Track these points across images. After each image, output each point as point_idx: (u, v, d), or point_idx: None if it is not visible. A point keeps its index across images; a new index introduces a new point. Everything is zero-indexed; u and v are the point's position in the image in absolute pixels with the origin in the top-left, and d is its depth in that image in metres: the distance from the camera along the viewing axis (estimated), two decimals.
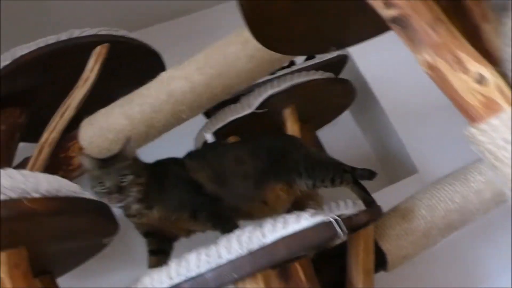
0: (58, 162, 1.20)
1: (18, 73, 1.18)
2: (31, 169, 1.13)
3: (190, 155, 1.05)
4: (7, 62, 1.16)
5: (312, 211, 0.68)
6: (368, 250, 0.99)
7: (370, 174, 1.07)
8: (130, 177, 0.87)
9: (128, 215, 0.92)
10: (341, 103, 1.45)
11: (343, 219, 0.92)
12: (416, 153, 1.59)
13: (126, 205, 0.90)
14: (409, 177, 1.57)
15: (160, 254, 0.95)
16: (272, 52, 1.04)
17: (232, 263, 0.61)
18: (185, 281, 0.64)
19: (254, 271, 0.61)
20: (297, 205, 1.09)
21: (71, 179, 1.22)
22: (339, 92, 1.33)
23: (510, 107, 0.52)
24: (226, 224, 0.92)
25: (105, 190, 0.86)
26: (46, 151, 1.16)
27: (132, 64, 1.34)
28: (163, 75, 1.12)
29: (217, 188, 0.97)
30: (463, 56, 0.54)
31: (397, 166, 1.69)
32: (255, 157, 1.03)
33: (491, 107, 0.54)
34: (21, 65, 1.15)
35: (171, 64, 1.41)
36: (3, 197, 0.48)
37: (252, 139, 1.17)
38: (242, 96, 1.20)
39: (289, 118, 1.24)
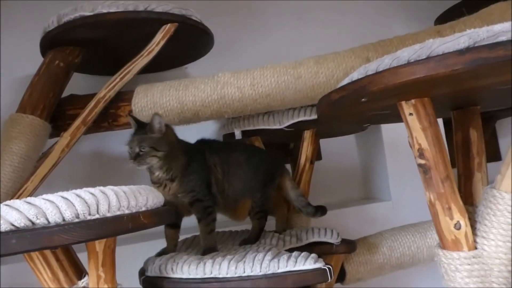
0: (106, 115, 1.38)
1: (94, 26, 1.31)
2: (86, 118, 1.31)
3: (210, 146, 1.22)
4: (87, 14, 1.29)
5: (315, 256, 0.93)
6: (336, 268, 1.27)
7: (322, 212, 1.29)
8: (147, 149, 1.05)
9: (152, 181, 1.11)
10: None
11: (326, 245, 1.20)
12: (395, 185, 1.86)
13: (151, 171, 1.09)
14: (382, 202, 1.85)
15: (175, 228, 1.15)
16: (315, 93, 1.25)
17: (252, 280, 0.86)
18: (214, 278, 0.89)
19: None
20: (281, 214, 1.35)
21: (112, 130, 1.42)
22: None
23: (468, 250, 0.78)
24: (209, 223, 1.12)
25: (128, 154, 1.06)
26: (101, 105, 1.33)
27: (186, 39, 1.48)
28: (220, 77, 1.29)
29: (218, 189, 1.17)
30: (453, 208, 0.79)
31: (376, 188, 1.96)
32: (249, 167, 1.21)
33: (457, 245, 0.79)
34: (100, 21, 1.29)
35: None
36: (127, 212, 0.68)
37: (253, 148, 1.38)
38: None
39: (307, 138, 1.45)
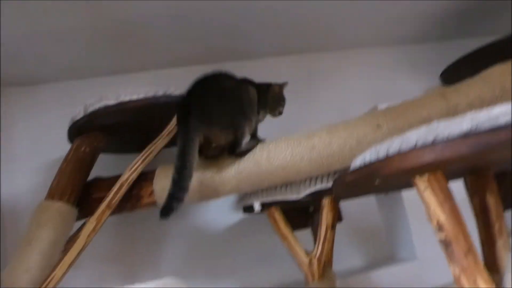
0: (130, 196, 1.42)
1: (118, 113, 1.39)
2: (111, 201, 1.36)
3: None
4: (112, 103, 1.37)
5: None
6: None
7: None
8: None
9: None
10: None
11: None
12: (420, 243, 1.83)
13: None
14: (408, 262, 1.82)
15: None
16: (330, 162, 1.28)
17: None
18: None
19: None
20: None
21: (135, 211, 1.46)
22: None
23: None
24: None
25: None
26: (124, 188, 1.38)
27: None
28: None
29: None
30: (480, 280, 0.78)
31: (400, 247, 1.93)
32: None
33: None
34: (123, 109, 1.38)
35: None
36: None
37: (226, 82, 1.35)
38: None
39: (326, 205, 1.45)
